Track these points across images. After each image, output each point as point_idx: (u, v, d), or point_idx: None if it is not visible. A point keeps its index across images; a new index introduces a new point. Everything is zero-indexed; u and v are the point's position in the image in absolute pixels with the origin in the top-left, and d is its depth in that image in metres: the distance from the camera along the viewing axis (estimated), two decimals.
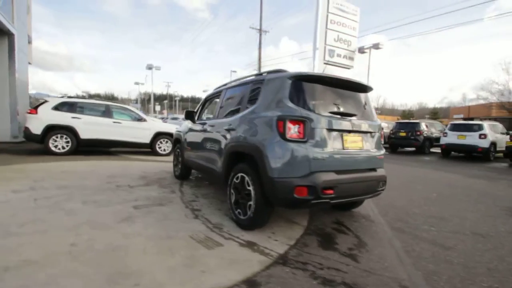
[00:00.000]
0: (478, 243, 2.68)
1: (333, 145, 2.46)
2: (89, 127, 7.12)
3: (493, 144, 10.04)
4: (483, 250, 2.51)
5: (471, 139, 10.18)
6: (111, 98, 59.35)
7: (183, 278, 1.81)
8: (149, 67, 30.54)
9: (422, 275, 2.03)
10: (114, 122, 7.45)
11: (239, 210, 2.77)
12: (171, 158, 7.62)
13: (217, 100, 3.84)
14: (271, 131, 2.40)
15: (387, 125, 15.95)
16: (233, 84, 3.57)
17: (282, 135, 2.33)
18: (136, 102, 51.38)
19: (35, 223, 2.58)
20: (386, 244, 2.55)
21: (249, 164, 2.65)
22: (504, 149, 9.75)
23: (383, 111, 53.21)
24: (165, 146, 8.19)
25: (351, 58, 17.70)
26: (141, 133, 7.82)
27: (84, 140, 7.10)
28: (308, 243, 2.51)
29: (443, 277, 2.01)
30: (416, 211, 3.65)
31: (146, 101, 57.97)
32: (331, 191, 2.32)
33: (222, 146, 3.10)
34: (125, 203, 3.33)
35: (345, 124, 2.55)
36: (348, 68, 17.81)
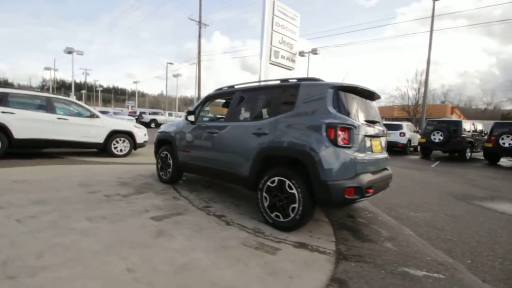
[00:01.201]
0: (455, 223, 3.47)
1: (367, 149, 2.81)
2: (26, 124, 5.78)
3: (409, 140, 12.48)
4: (462, 228, 3.28)
5: (393, 136, 12.39)
6: (6, 84, 47.68)
7: (280, 287, 1.85)
8: (69, 51, 25.85)
9: (444, 252, 2.56)
10: (59, 118, 6.24)
11: (276, 213, 2.85)
12: (132, 159, 6.92)
13: (227, 101, 3.74)
14: (320, 137, 2.57)
15: None
16: (251, 87, 3.55)
17: (333, 141, 2.54)
18: (41, 89, 42.86)
19: (55, 250, 2.11)
20: (400, 232, 3.06)
21: (292, 168, 2.76)
22: (416, 144, 12.27)
23: None
24: (121, 146, 7.30)
25: (293, 61, 18.89)
26: (93, 131, 6.77)
27: (19, 141, 5.73)
28: (345, 237, 2.80)
29: (457, 251, 2.59)
30: (395, 201, 4.39)
31: (55, 90, 48.94)
32: (371, 190, 2.66)
33: (250, 150, 3.09)
34: (138, 215, 2.98)
35: (372, 130, 2.93)
36: (290, 70, 18.96)
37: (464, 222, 3.51)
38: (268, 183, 2.92)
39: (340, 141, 2.54)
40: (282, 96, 3.10)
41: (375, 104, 3.41)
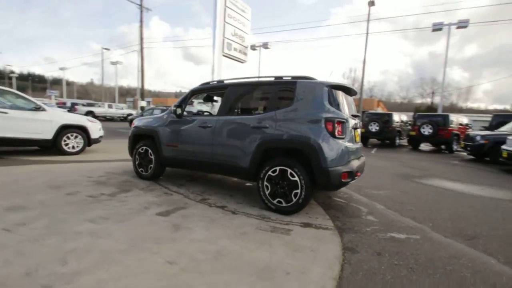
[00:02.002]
0: (409, 197, 4.30)
1: (353, 139, 3.28)
2: None
3: None
4: (415, 200, 4.10)
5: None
6: None
7: (315, 260, 2.15)
8: None
9: (411, 219, 3.23)
10: None
11: (278, 199, 3.13)
12: (89, 156, 6.32)
13: (216, 96, 3.79)
14: (320, 130, 2.93)
15: None
16: (245, 82, 3.67)
17: (332, 133, 2.92)
18: None
19: (76, 254, 2.00)
20: (373, 206, 3.67)
21: (293, 158, 3.06)
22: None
23: None
24: (74, 142, 6.54)
25: (245, 54, 19.16)
26: (39, 126, 5.91)
27: None
28: (336, 215, 3.25)
29: (419, 218, 3.29)
30: (358, 183, 5.11)
31: None
32: (359, 174, 3.16)
33: (250, 142, 3.28)
34: (141, 213, 2.91)
35: (355, 123, 3.42)
36: (242, 62, 19.23)
37: (414, 196, 4.37)
38: (269, 172, 3.17)
39: (336, 133, 2.94)
40: (278, 92, 3.34)
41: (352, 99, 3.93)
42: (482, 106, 55.46)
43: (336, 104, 3.09)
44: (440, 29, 15.83)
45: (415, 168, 7.14)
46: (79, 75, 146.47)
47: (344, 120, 3.03)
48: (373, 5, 16.57)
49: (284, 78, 3.42)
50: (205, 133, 3.69)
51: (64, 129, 6.34)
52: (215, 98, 4.88)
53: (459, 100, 49.13)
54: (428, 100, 46.34)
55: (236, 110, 3.65)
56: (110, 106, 24.06)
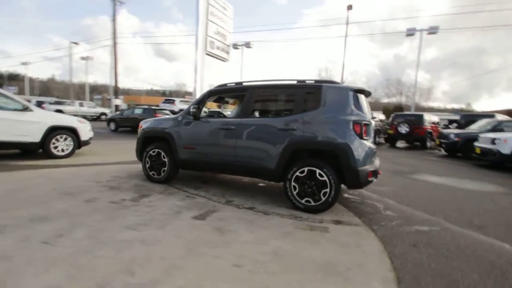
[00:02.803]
0: (410, 191, 4.66)
1: (373, 140, 3.49)
2: None
3: None
4: (417, 194, 4.46)
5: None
6: None
7: (364, 255, 2.30)
8: None
9: (424, 212, 3.52)
10: None
11: (306, 198, 3.25)
12: (82, 159, 5.97)
13: (233, 98, 3.80)
14: (349, 132, 3.09)
15: None
16: (267, 85, 3.72)
17: (359, 135, 3.10)
18: None
19: (138, 263, 1.95)
20: (386, 202, 3.93)
21: (321, 159, 3.20)
22: None
23: None
24: (63, 145, 6.12)
25: (228, 52, 18.99)
26: (26, 128, 5.45)
27: None
28: (358, 212, 3.44)
29: (430, 210, 3.61)
30: None
31: None
32: (380, 172, 3.37)
33: (277, 144, 3.35)
34: (176, 218, 2.86)
35: (374, 124, 3.64)
36: (224, 61, 19.09)
37: (414, 190, 4.74)
38: (297, 173, 3.27)
39: (363, 135, 3.13)
40: (303, 96, 3.45)
41: None
42: (441, 105, 60.48)
43: (360, 107, 3.27)
44: (412, 34, 17.10)
45: (402, 165, 7.68)
46: (39, 70, 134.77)
47: (369, 122, 3.22)
48: (351, 9, 17.36)
49: (307, 81, 3.54)
50: (227, 135, 3.70)
51: (53, 131, 5.91)
52: (227, 99, 4.87)
53: (421, 100, 53.23)
54: (393, 100, 49.51)
55: (258, 112, 3.69)
56: (81, 105, 22.53)
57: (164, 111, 14.73)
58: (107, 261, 1.96)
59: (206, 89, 15.41)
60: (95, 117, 22.36)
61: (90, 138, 6.80)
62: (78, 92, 49.73)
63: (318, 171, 3.17)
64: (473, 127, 10.31)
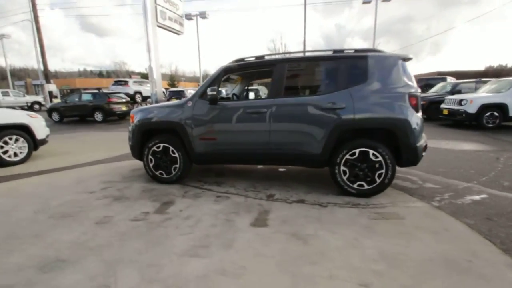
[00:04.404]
0: (434, 160, 4.73)
1: None
2: None
3: None
4: (444, 162, 4.55)
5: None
6: None
7: (463, 239, 2.12)
8: None
9: (460, 180, 3.55)
10: None
11: (359, 182, 2.98)
12: (41, 164, 4.79)
13: (255, 75, 3.19)
14: (406, 106, 2.81)
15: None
16: (297, 57, 3.17)
17: (416, 109, 2.84)
18: None
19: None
20: (418, 174, 3.90)
21: (375, 137, 2.90)
22: None
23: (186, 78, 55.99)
24: (15, 148, 4.78)
25: (181, 24, 17.24)
26: None
27: None
28: (405, 191, 3.31)
29: (463, 178, 3.66)
30: None
31: None
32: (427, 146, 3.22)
33: (323, 126, 2.93)
34: (231, 229, 2.33)
35: None
36: (178, 34, 17.31)
37: (439, 160, 4.72)
38: (347, 156, 2.95)
39: (419, 108, 2.88)
40: (347, 68, 3.01)
41: None
42: None
43: (410, 77, 2.99)
44: (369, 2, 17.41)
45: None
46: None
47: (419, 94, 2.98)
48: None
49: (345, 51, 3.11)
50: (258, 119, 3.13)
51: None
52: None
53: None
54: None
55: (293, 91, 3.18)
56: (5, 94, 18.43)
57: (120, 94, 12.88)
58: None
59: (158, 68, 13.75)
60: (25, 107, 18.69)
61: (47, 136, 5.46)
62: None
63: (371, 151, 2.88)
64: (433, 90, 11.19)
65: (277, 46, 37.73)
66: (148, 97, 15.72)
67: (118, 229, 2.33)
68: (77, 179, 3.80)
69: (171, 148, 3.45)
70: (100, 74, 70.71)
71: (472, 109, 8.02)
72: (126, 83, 15.82)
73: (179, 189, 3.36)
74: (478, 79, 10.68)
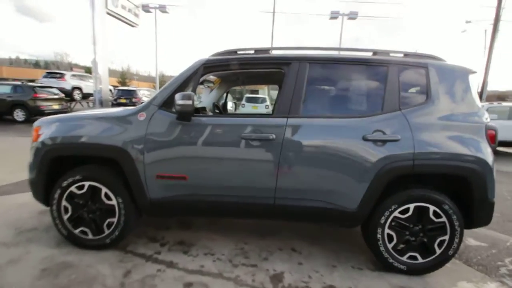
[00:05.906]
0: None
1: None
2: None
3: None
4: None
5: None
6: None
7: None
8: None
9: None
10: None
11: (410, 253, 1.96)
12: None
13: (263, 79, 1.99)
14: (484, 144, 1.88)
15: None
16: (329, 57, 2.04)
17: (493, 147, 1.93)
18: None
19: None
20: None
21: (434, 187, 1.92)
22: None
23: (139, 77, 51.44)
24: None
25: (136, 15, 15.23)
26: None
27: None
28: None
29: None
30: None
31: None
32: None
33: (361, 166, 1.85)
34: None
35: None
36: (133, 26, 15.26)
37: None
38: (395, 213, 1.91)
39: (496, 146, 1.98)
40: (397, 79, 1.97)
41: None
42: None
43: (479, 100, 2.10)
44: (336, 18, 17.56)
45: None
46: None
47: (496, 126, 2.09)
48: None
49: (391, 54, 2.09)
50: (260, 149, 1.91)
51: None
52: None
53: None
54: None
55: (316, 106, 2.02)
56: None
57: (52, 89, 10.35)
58: None
59: (105, 62, 11.60)
60: None
61: None
62: None
63: (433, 208, 1.89)
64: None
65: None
66: (90, 94, 13.25)
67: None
68: None
69: (104, 190, 2.01)
70: (36, 64, 61.17)
71: None
72: (62, 76, 13.03)
73: (116, 263, 1.93)
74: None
